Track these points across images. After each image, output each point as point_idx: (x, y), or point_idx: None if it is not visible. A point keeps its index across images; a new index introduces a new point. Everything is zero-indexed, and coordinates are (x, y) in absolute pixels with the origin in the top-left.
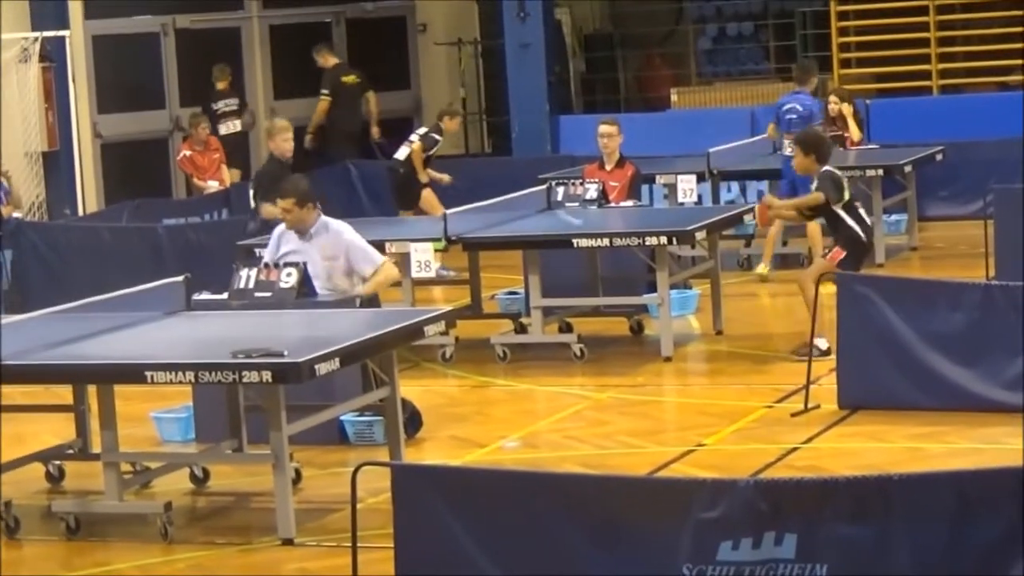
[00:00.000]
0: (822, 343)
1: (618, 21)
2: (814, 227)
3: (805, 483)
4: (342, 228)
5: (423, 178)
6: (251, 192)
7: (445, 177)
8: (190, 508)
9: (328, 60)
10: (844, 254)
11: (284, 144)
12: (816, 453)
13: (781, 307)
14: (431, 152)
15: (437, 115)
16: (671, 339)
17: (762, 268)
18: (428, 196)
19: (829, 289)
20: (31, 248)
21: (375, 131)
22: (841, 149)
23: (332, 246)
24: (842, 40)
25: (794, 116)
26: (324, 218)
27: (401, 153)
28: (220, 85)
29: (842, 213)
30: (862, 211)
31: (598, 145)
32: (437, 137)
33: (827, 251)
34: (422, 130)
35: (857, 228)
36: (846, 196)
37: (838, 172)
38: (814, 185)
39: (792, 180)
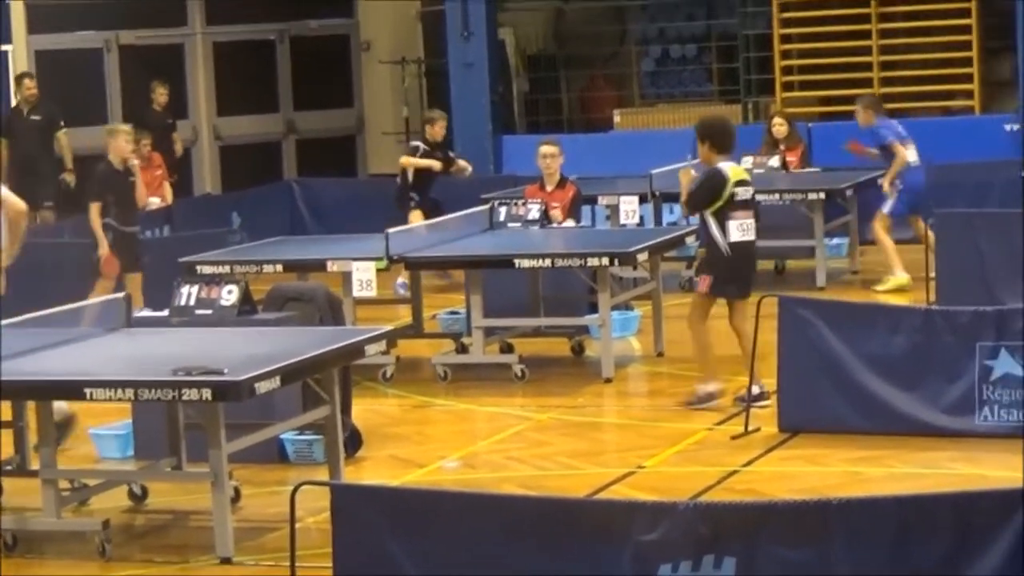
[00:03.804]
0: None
1: (561, 41)
2: (885, 239)
3: (745, 506)
4: None
5: (436, 165)
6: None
7: (463, 164)
8: (128, 526)
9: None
10: (710, 278)
11: (124, 144)
12: (756, 476)
13: (723, 329)
14: (420, 154)
15: (421, 124)
16: (612, 360)
17: (901, 278)
18: (414, 217)
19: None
20: None
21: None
22: (783, 172)
23: None
24: (785, 63)
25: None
26: None
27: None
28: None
29: (710, 220)
30: (733, 222)
31: (538, 166)
32: (416, 144)
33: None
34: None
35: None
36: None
37: (724, 173)
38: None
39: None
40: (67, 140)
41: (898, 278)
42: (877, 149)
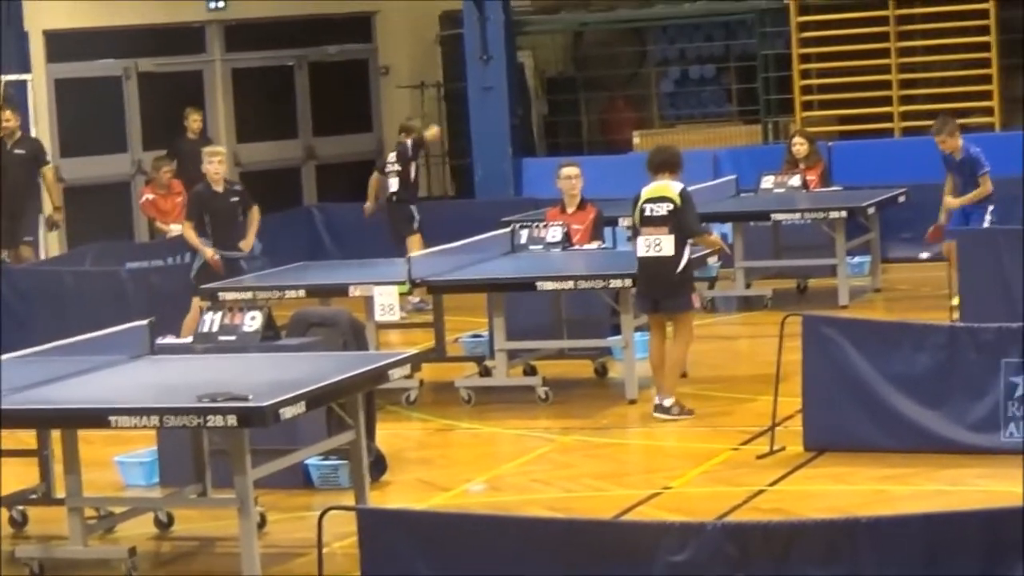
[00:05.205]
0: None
1: (580, 64)
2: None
3: (773, 526)
4: None
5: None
6: None
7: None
8: (154, 553)
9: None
10: None
11: (209, 167)
12: (782, 495)
13: (745, 349)
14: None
15: (399, 132)
16: (636, 382)
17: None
18: (416, 242)
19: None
20: None
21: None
22: (804, 191)
23: None
24: (804, 83)
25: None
26: None
27: (392, 186)
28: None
29: None
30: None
31: (559, 188)
32: (410, 154)
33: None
34: (392, 156)
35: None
36: None
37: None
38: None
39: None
40: (53, 176)
41: None
42: (957, 174)
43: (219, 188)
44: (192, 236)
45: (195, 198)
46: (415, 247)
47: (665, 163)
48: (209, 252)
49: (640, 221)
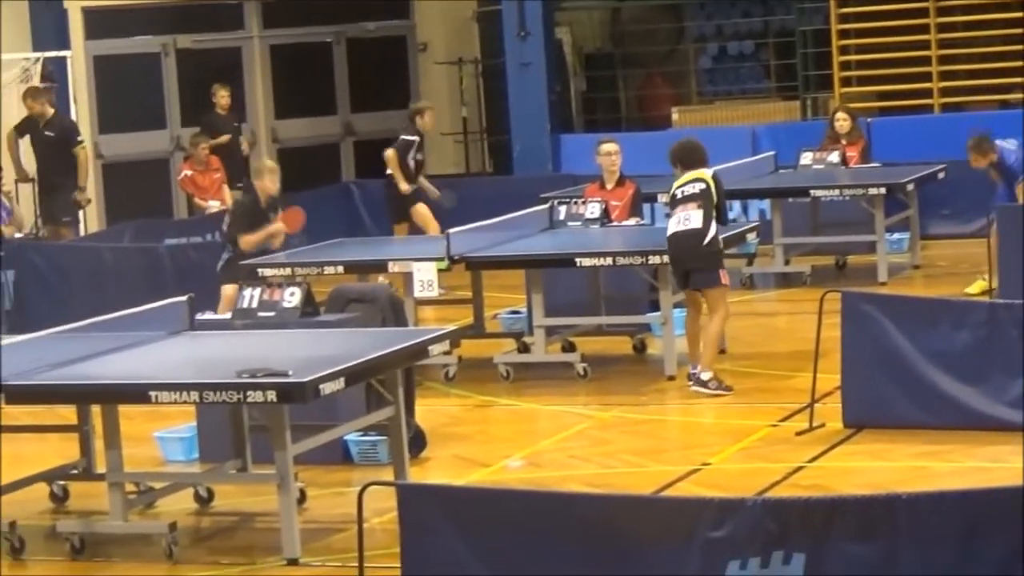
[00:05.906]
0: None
1: (619, 40)
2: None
3: (813, 502)
4: None
5: (403, 187)
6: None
7: (434, 192)
8: (194, 528)
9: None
10: None
11: (271, 185)
12: (821, 472)
13: (784, 326)
14: (415, 156)
15: (408, 116)
16: (675, 358)
17: (983, 281)
18: (422, 211)
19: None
20: (32, 268)
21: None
22: (843, 167)
23: None
24: (843, 59)
25: None
26: None
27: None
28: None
29: None
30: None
31: (598, 164)
32: (409, 138)
33: None
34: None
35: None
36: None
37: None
38: None
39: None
40: (85, 156)
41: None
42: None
43: (264, 203)
44: (256, 236)
45: (245, 212)
46: (426, 221)
47: (693, 160)
48: (279, 226)
49: (672, 206)
